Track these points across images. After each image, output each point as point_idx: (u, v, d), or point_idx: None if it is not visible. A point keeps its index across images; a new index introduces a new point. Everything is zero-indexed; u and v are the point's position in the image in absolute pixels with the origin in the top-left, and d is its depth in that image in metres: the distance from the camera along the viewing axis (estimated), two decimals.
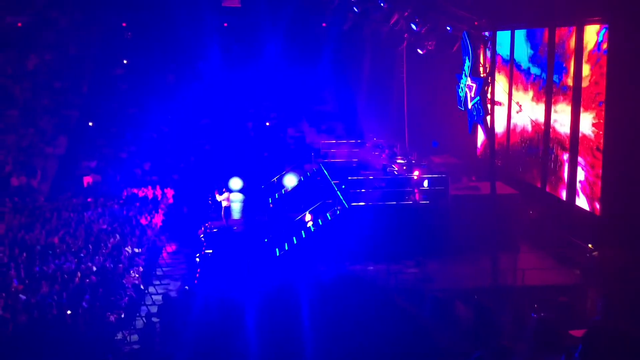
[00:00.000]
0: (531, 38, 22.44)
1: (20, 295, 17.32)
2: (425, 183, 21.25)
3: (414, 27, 22.19)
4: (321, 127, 33.66)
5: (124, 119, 33.81)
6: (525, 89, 22.90)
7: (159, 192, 28.14)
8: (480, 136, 26.21)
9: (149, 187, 28.57)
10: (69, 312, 16.42)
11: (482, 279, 17.62)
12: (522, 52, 23.02)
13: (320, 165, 27.25)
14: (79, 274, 18.94)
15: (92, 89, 35.12)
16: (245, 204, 26.89)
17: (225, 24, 36.66)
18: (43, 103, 33.64)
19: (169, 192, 27.83)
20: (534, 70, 22.25)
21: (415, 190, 21.11)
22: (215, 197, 26.21)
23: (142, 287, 19.14)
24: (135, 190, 28.16)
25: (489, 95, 19.38)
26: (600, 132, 18.17)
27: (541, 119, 21.67)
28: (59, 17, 36.99)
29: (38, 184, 29.51)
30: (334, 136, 32.53)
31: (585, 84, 18.95)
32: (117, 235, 22.79)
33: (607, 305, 14.52)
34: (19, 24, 36.44)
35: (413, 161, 24.45)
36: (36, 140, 31.67)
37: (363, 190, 21.24)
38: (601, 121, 18.11)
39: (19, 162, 30.30)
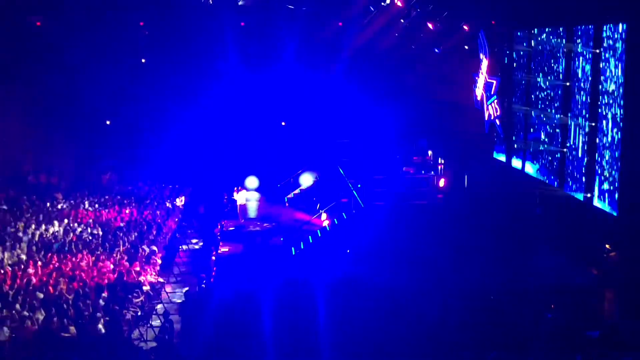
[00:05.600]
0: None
1: (38, 293, 17.45)
2: (441, 182, 21.23)
3: (430, 26, 22.16)
4: (337, 126, 33.65)
5: (141, 118, 33.98)
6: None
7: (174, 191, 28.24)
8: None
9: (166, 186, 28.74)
10: (86, 312, 16.53)
11: (498, 279, 17.55)
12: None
13: (336, 165, 27.27)
14: (96, 272, 19.08)
15: (110, 88, 35.29)
16: (261, 202, 26.96)
17: (242, 24, 36.70)
18: (62, 102, 33.84)
19: (183, 196, 27.90)
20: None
21: (432, 190, 21.07)
22: (231, 196, 26.30)
23: (158, 285, 19.25)
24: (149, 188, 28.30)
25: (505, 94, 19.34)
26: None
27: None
28: (77, 16, 37.18)
29: (56, 182, 29.74)
30: (350, 135, 32.52)
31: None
32: (135, 234, 22.92)
33: (624, 307, 14.44)
34: (38, 24, 36.67)
35: (430, 160, 24.42)
36: (54, 138, 31.88)
37: (379, 190, 21.24)
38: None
39: (38, 160, 30.54)
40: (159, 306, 18.25)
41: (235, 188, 26.21)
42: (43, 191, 28.61)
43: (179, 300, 18.51)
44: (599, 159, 19.05)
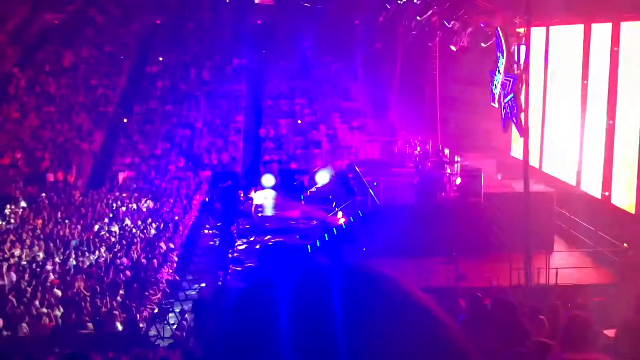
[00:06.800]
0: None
1: (56, 290, 17.58)
2: (458, 180, 21.12)
3: (446, 23, 22.08)
4: (353, 124, 33.63)
5: (158, 116, 34.12)
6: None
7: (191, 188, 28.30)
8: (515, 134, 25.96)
9: (182, 183, 28.83)
10: (103, 309, 16.64)
11: (515, 278, 17.46)
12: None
13: (352, 162, 27.23)
14: (113, 269, 19.19)
15: (127, 85, 35.49)
16: (278, 200, 26.98)
17: (259, 22, 36.79)
18: (79, 99, 34.07)
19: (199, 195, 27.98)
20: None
21: (448, 188, 21.00)
22: (248, 194, 26.35)
23: (175, 282, 19.33)
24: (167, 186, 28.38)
25: (522, 93, 19.21)
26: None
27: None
28: (95, 14, 37.46)
29: (74, 180, 29.91)
30: (366, 133, 32.49)
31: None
32: (152, 231, 23.03)
33: (638, 304, 14.29)
34: (56, 22, 36.96)
35: (446, 158, 24.30)
36: (72, 136, 32.09)
37: (395, 188, 21.16)
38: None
39: (55, 158, 30.74)
40: (175, 304, 18.33)
41: (253, 188, 26.24)
42: (61, 189, 28.77)
43: (194, 298, 18.57)
44: (617, 156, 18.93)
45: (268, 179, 27.93)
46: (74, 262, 19.87)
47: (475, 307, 15.58)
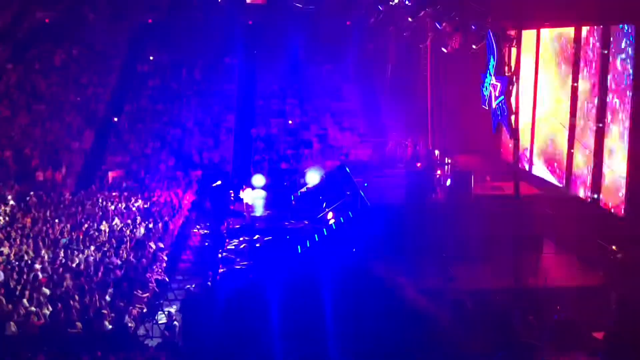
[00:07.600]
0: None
1: (44, 289, 17.51)
2: (448, 182, 21.19)
3: (438, 25, 22.13)
4: (344, 125, 33.67)
5: (149, 115, 34.06)
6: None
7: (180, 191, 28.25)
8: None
9: (173, 183, 28.77)
10: (92, 308, 16.58)
11: (504, 280, 17.53)
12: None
13: (342, 163, 27.24)
14: (102, 268, 19.13)
15: (118, 84, 35.40)
16: (268, 200, 26.97)
17: (250, 22, 36.75)
18: (70, 98, 33.97)
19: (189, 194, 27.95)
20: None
21: (438, 190, 21.07)
22: (238, 194, 26.32)
23: (165, 281, 19.29)
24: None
25: (513, 95, 19.30)
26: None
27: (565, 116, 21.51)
28: (86, 13, 37.33)
29: (63, 178, 29.81)
30: (357, 134, 32.54)
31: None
32: (141, 230, 22.97)
33: (626, 306, 14.41)
34: (47, 20, 36.86)
35: (437, 160, 24.38)
36: (62, 134, 31.97)
37: (385, 188, 21.21)
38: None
39: (45, 156, 30.62)
40: (165, 303, 18.29)
41: (243, 186, 26.23)
42: (50, 187, 28.67)
43: (183, 298, 18.52)
44: (606, 159, 19.02)
45: (258, 179, 27.90)
46: (63, 261, 19.79)
47: (462, 309, 15.60)
